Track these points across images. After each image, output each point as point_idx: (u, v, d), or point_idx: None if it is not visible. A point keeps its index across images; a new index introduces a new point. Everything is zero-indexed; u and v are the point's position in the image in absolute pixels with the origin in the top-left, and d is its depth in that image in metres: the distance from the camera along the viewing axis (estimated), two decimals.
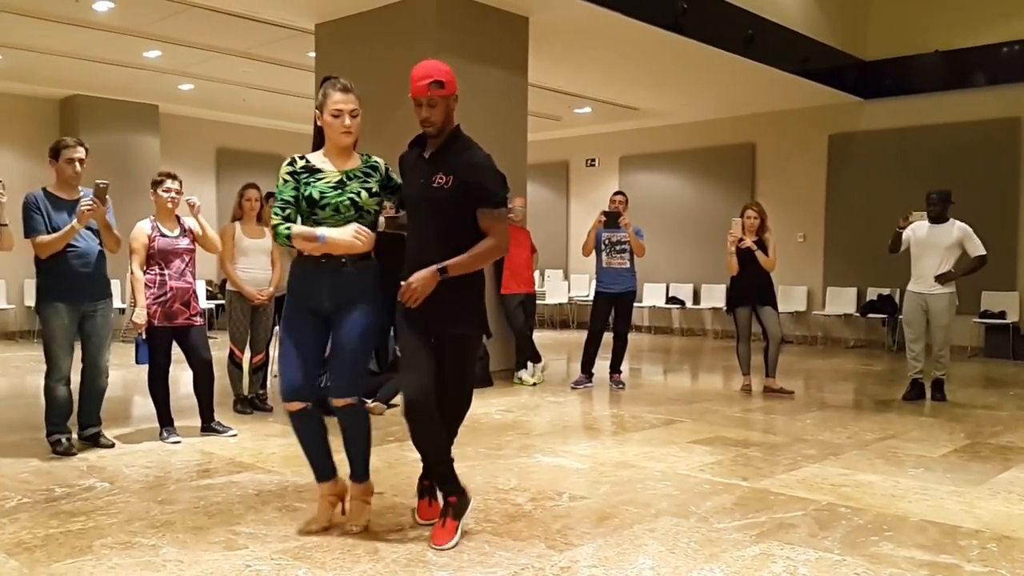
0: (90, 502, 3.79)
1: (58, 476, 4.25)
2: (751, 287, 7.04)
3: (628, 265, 7.28)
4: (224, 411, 5.56)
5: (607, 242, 7.25)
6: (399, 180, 3.42)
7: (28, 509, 3.68)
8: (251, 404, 6.08)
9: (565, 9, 7.73)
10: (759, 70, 9.59)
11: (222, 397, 5.50)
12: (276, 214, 3.21)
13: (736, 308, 7.19)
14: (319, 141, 3.35)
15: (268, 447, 4.95)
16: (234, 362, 6.00)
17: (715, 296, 12.47)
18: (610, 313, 7.35)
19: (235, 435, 5.23)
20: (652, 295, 12.95)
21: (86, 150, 4.79)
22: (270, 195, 6.74)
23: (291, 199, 3.22)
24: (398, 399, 6.23)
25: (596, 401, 6.94)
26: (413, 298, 3.08)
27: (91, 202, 4.51)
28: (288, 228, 3.18)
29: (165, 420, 5.13)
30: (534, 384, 7.51)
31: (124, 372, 7.55)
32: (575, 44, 8.84)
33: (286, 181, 3.23)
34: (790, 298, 11.62)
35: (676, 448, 5.04)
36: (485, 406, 6.43)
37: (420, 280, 3.07)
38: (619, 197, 7.36)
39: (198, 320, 5.20)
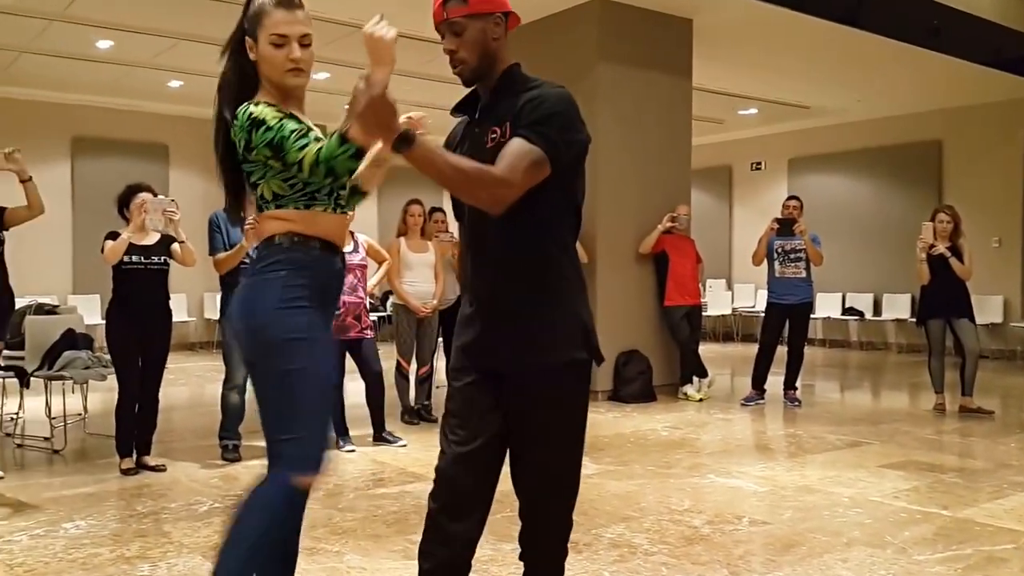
0: None
1: (244, 482, 4.57)
2: (945, 297, 6.61)
3: (804, 275, 7.03)
4: (392, 421, 5.80)
5: (780, 250, 7.03)
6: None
7: (220, 513, 3.97)
8: (417, 415, 6.32)
9: (731, 9, 7.58)
10: (945, 62, 9.00)
11: (390, 408, 5.75)
12: (303, 142, 2.09)
13: (928, 320, 6.76)
14: (247, 89, 2.24)
15: (436, 458, 5.10)
16: (401, 374, 6.26)
17: (898, 306, 11.79)
18: (783, 325, 7.12)
19: (404, 445, 5.45)
20: (827, 306, 12.38)
21: None
22: (434, 210, 6.97)
23: (301, 127, 2.15)
24: None
25: (769, 419, 6.72)
26: (360, 106, 1.86)
27: (253, 220, 4.84)
28: (342, 140, 2.02)
29: (340, 430, 5.40)
30: (700, 400, 7.37)
31: None
32: (741, 44, 8.64)
33: (282, 117, 2.15)
34: (985, 309, 10.77)
35: (865, 472, 4.80)
36: (650, 422, 6.37)
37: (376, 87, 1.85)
38: (793, 203, 7.12)
39: (369, 333, 5.47)
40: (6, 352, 5.50)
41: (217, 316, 5.16)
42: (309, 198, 2.21)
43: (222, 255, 4.97)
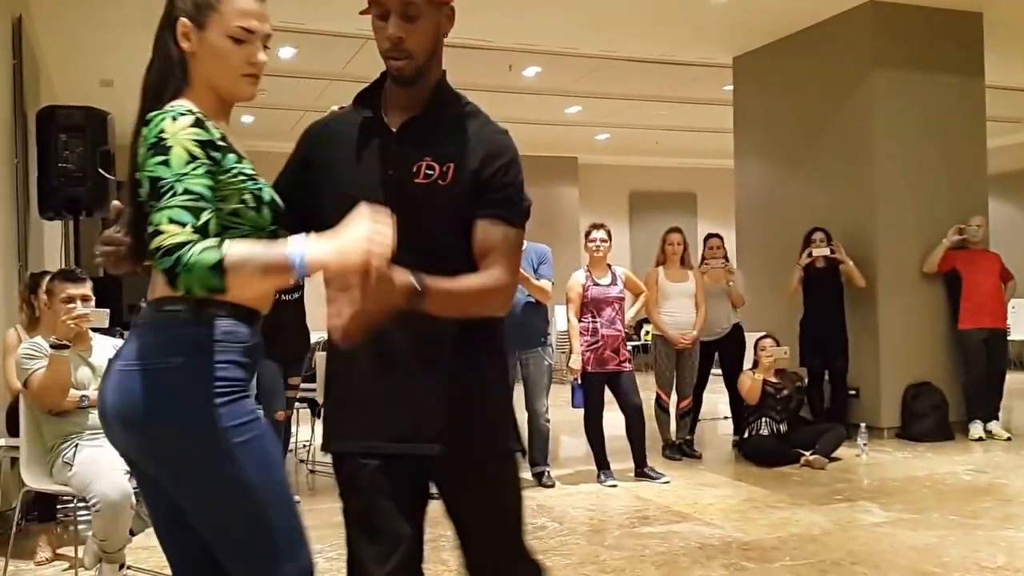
0: (545, 541, 4.12)
1: (556, 512, 4.68)
2: None
3: None
4: (653, 455, 5.71)
5: None
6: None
7: None
8: (679, 450, 6.17)
9: None
10: None
11: (650, 441, 5.67)
12: (181, 221, 1.49)
13: None
14: (178, 81, 1.65)
15: (703, 497, 4.96)
16: (661, 407, 6.16)
17: None
18: None
19: (668, 482, 5.34)
20: None
21: None
22: (709, 236, 6.68)
23: (208, 190, 1.55)
24: (840, 451, 5.89)
25: None
26: (354, 316, 1.50)
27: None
28: (220, 251, 1.46)
29: (602, 463, 5.41)
30: (1008, 438, 6.53)
31: (564, 415, 8.03)
32: None
33: (193, 157, 1.55)
34: None
35: None
36: (948, 464, 5.75)
37: (381, 277, 1.47)
38: None
39: (628, 366, 5.44)
40: (301, 385, 6.16)
41: None
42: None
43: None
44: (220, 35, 1.64)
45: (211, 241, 1.48)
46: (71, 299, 3.49)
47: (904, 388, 6.72)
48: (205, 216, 1.51)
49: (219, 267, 1.46)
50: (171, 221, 1.49)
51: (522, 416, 5.29)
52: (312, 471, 6.06)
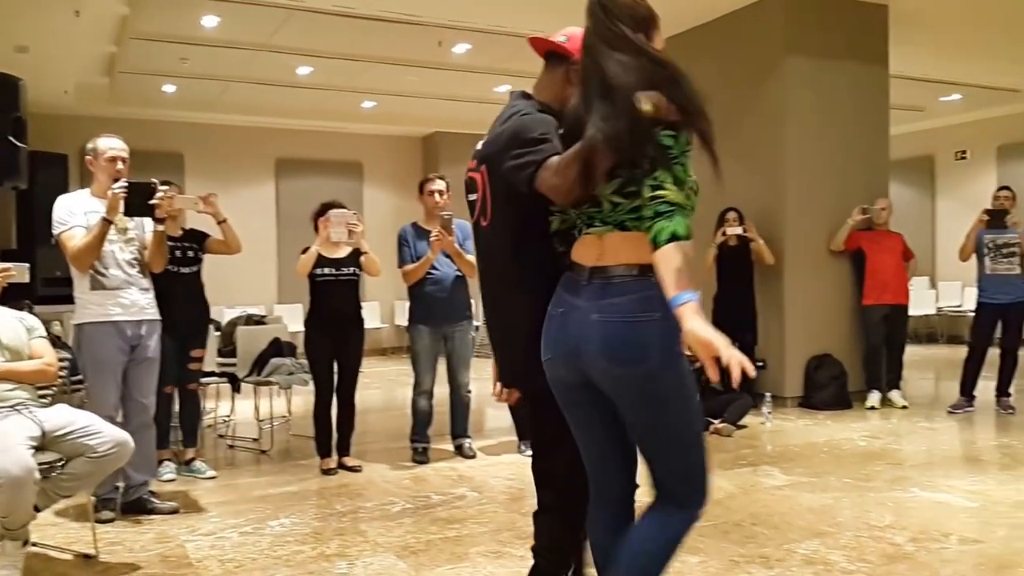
0: (463, 510, 4.18)
1: (434, 484, 4.75)
2: None
3: (1018, 271, 6.41)
4: None
5: (991, 245, 6.45)
6: None
7: (411, 514, 4.14)
8: None
9: None
10: None
11: None
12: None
13: None
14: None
15: None
16: None
17: None
18: (995, 326, 6.52)
19: None
20: None
21: (447, 183, 5.30)
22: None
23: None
24: (747, 419, 6.11)
25: (979, 428, 6.17)
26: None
27: (438, 233, 4.98)
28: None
29: (523, 434, 5.47)
30: (905, 407, 6.87)
31: (487, 387, 8.14)
32: (941, 27, 7.99)
33: None
34: None
35: None
36: (846, 431, 6.02)
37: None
38: (1005, 193, 6.52)
39: None
40: (219, 359, 5.98)
41: (406, 323, 5.38)
42: None
43: (410, 267, 5.19)
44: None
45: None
46: None
47: (807, 360, 6.99)
48: None
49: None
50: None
51: (445, 389, 5.35)
52: (231, 446, 5.98)
